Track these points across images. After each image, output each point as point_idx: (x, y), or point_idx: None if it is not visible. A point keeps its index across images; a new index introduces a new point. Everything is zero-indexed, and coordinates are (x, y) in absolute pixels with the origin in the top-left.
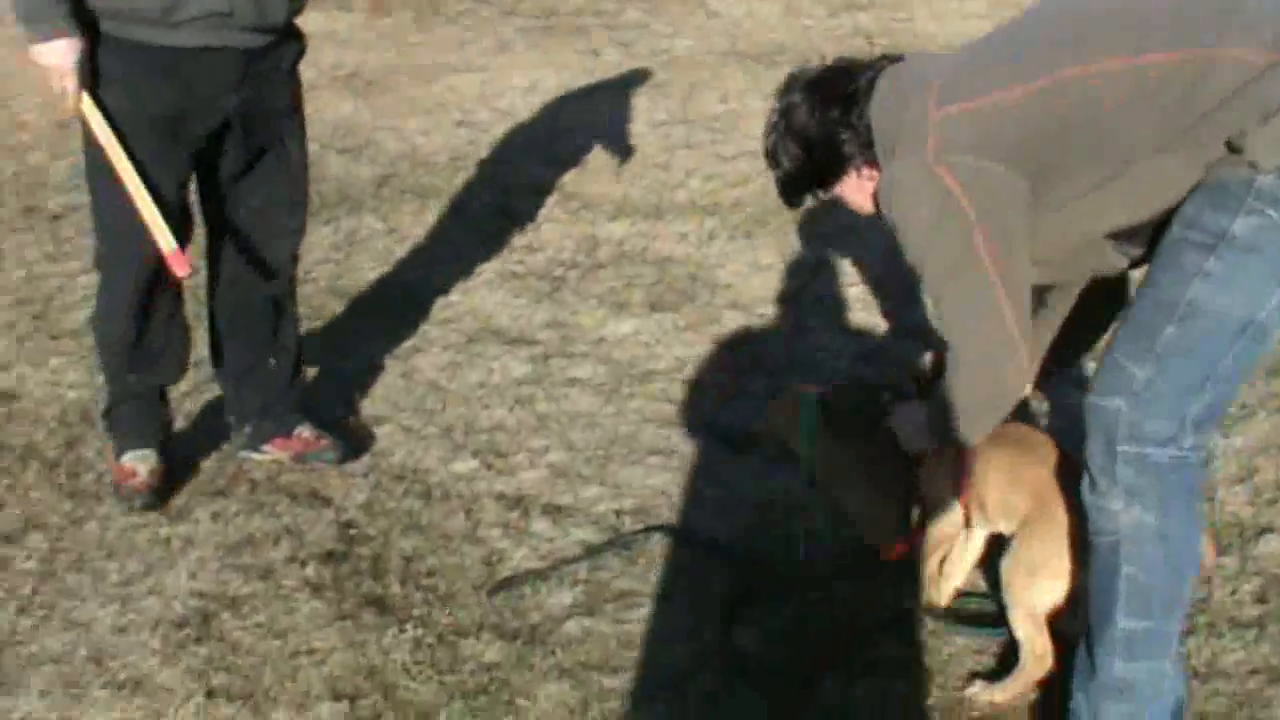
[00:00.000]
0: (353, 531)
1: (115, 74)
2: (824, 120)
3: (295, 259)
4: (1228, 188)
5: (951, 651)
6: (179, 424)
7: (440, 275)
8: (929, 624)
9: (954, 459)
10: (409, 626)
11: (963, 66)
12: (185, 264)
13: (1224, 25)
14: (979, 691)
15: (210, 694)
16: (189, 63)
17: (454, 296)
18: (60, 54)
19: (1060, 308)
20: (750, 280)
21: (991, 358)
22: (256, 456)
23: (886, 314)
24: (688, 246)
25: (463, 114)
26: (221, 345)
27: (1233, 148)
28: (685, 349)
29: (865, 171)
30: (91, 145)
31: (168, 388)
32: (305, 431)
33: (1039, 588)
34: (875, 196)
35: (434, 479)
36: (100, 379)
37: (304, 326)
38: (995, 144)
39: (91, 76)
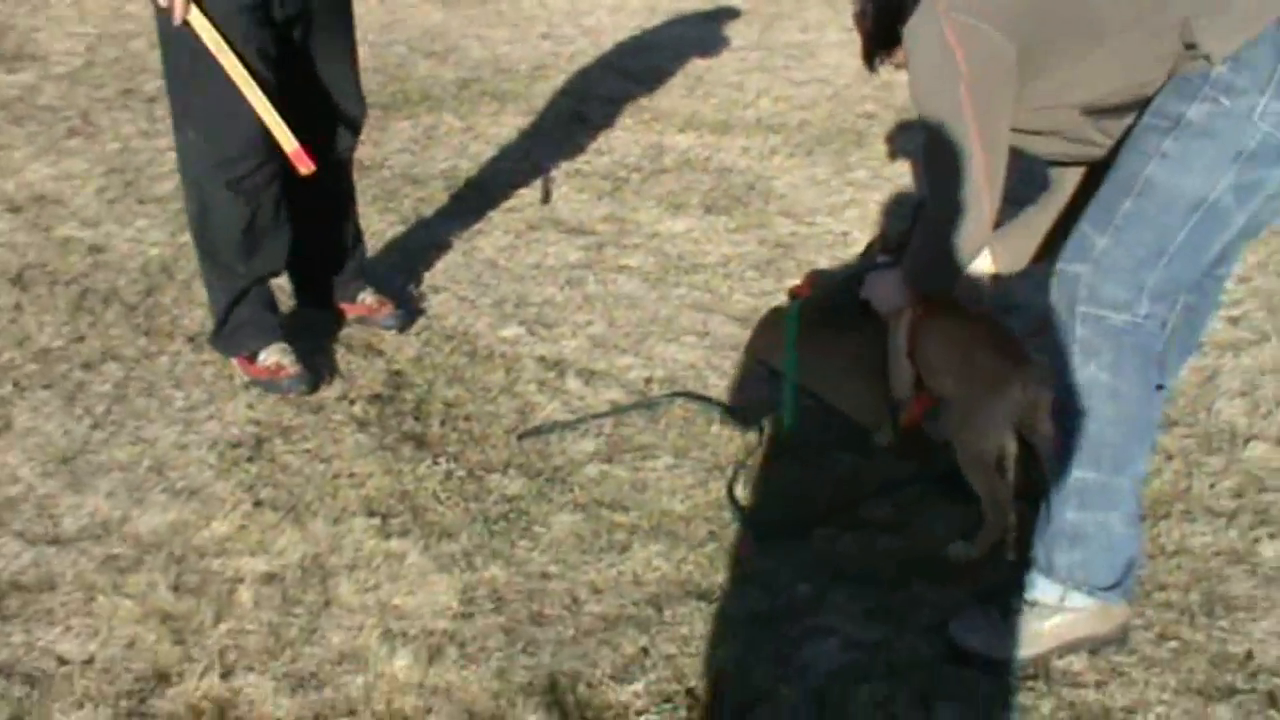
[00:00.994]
0: (400, 379)
1: None
2: None
3: (357, 135)
4: (1189, 79)
5: (936, 514)
6: None
7: (509, 169)
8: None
9: (907, 325)
10: (442, 460)
11: None
12: (307, 160)
13: None
14: (957, 548)
15: (257, 504)
16: None
17: (520, 189)
18: None
19: (1057, 199)
20: (804, 192)
21: (956, 205)
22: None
23: None
24: (749, 159)
25: (549, 28)
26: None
27: (1188, 45)
28: (732, 247)
29: None
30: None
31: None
32: (368, 298)
33: (979, 437)
34: None
35: (481, 341)
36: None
37: (375, 206)
38: (992, 10)
39: None
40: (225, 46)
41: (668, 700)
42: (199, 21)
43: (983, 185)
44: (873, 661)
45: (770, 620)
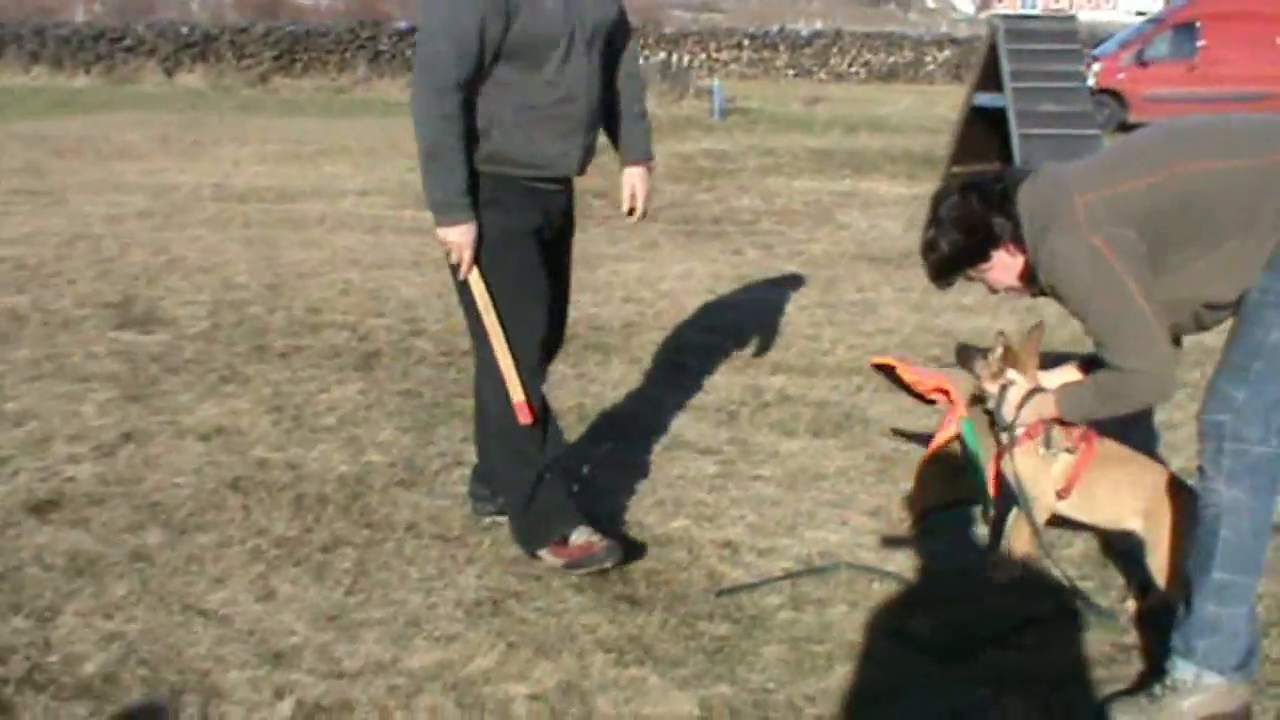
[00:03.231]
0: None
1: (498, 198)
2: (982, 210)
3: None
4: None
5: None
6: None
7: (629, 405)
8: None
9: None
10: (655, 612)
11: (1093, 167)
12: (528, 413)
13: None
14: None
15: (510, 645)
16: (544, 191)
17: (644, 420)
18: (461, 235)
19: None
20: (897, 419)
21: (1148, 354)
22: (490, 509)
23: None
24: (840, 395)
25: (627, 293)
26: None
27: None
28: (846, 461)
29: (1012, 250)
30: (469, 302)
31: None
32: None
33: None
34: (1023, 271)
35: (656, 530)
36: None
37: None
38: (1127, 218)
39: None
40: (490, 306)
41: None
42: (476, 284)
43: (1158, 332)
44: None
45: (957, 716)
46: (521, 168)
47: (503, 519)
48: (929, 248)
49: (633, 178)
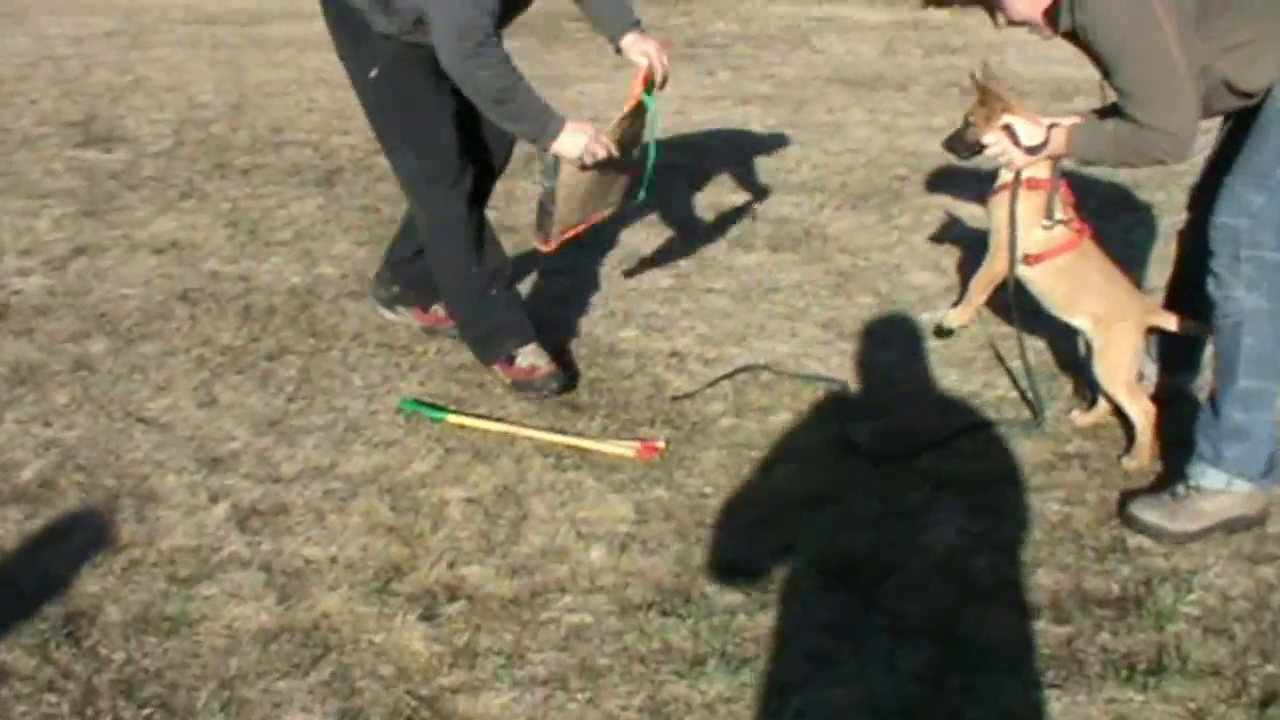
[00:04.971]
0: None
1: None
2: None
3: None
4: None
5: (1022, 444)
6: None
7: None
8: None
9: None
10: (596, 418)
11: None
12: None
13: None
14: (1129, 461)
15: (448, 450)
16: None
17: (600, 231)
18: (575, 135)
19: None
20: (855, 235)
21: (1174, 111)
22: (389, 315)
23: (968, 265)
24: (800, 212)
25: (594, 112)
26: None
27: None
28: (802, 275)
29: None
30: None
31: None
32: (439, 310)
33: (1124, 368)
34: (1050, 6)
35: (604, 340)
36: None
37: None
38: None
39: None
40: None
41: None
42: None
43: (1189, 91)
44: (980, 543)
45: (893, 518)
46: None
47: (391, 315)
48: None
49: (637, 44)
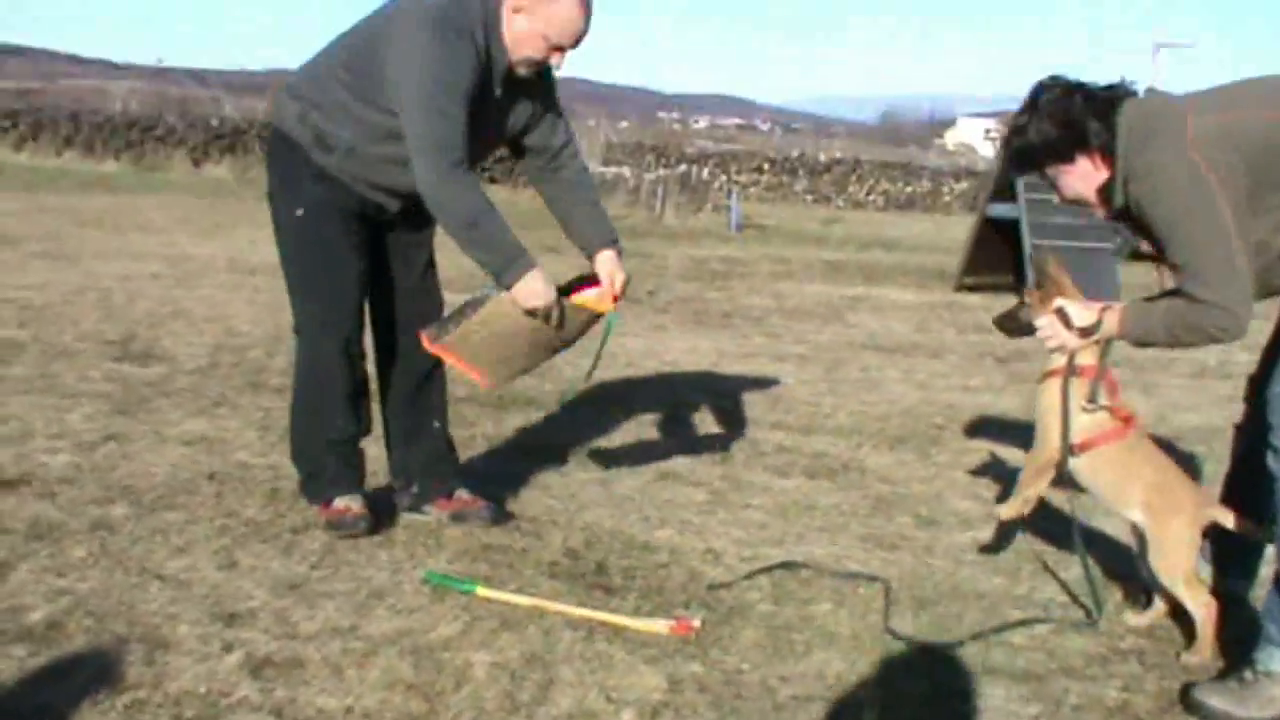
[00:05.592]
0: (576, 553)
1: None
2: (1082, 111)
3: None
4: None
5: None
6: None
7: (621, 443)
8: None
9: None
10: (630, 598)
11: (1212, 93)
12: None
13: None
14: (1190, 656)
15: (475, 618)
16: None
17: (636, 454)
18: (537, 280)
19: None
20: (894, 470)
21: (1229, 286)
22: (420, 517)
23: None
24: (838, 449)
25: (629, 360)
26: (388, 415)
27: None
28: (840, 499)
29: (1098, 162)
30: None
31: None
32: (463, 494)
33: (1182, 561)
34: (1102, 186)
35: (639, 539)
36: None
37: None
38: (1236, 147)
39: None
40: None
41: None
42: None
43: (1243, 266)
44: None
45: (941, 700)
46: (365, 187)
47: (421, 516)
48: (1017, 132)
49: (608, 262)
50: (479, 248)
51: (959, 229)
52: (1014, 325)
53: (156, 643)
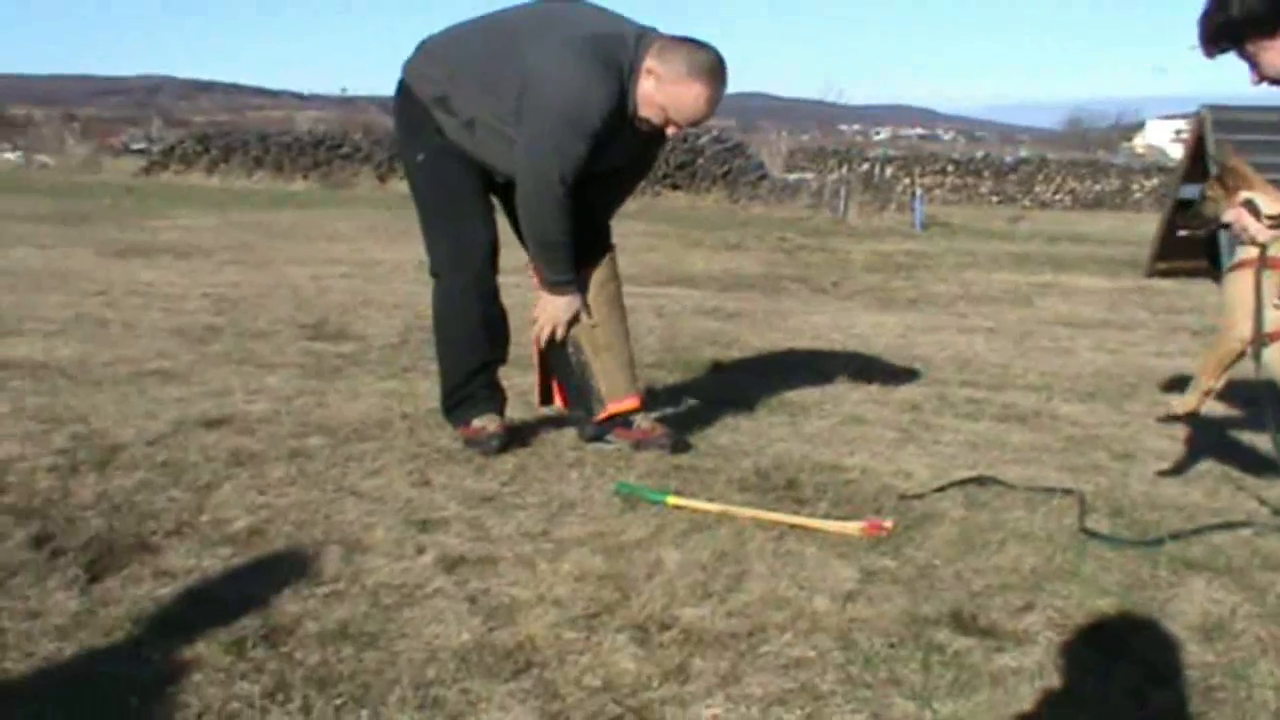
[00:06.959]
0: (767, 472)
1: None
2: None
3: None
4: None
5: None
6: None
7: (811, 397)
8: None
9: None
10: (821, 505)
11: None
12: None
13: None
14: None
15: (663, 524)
16: None
17: (825, 405)
18: (570, 303)
19: None
20: (1086, 417)
21: None
22: (605, 446)
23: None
24: (1028, 400)
25: (815, 333)
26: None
27: None
28: (1032, 438)
29: None
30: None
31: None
32: (643, 422)
33: None
34: None
35: (829, 462)
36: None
37: None
38: None
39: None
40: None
41: None
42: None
43: None
44: (1237, 611)
45: (1139, 588)
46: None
47: (606, 445)
48: (1220, 5)
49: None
50: (545, 261)
51: (1149, 225)
52: (1200, 220)
53: (353, 545)
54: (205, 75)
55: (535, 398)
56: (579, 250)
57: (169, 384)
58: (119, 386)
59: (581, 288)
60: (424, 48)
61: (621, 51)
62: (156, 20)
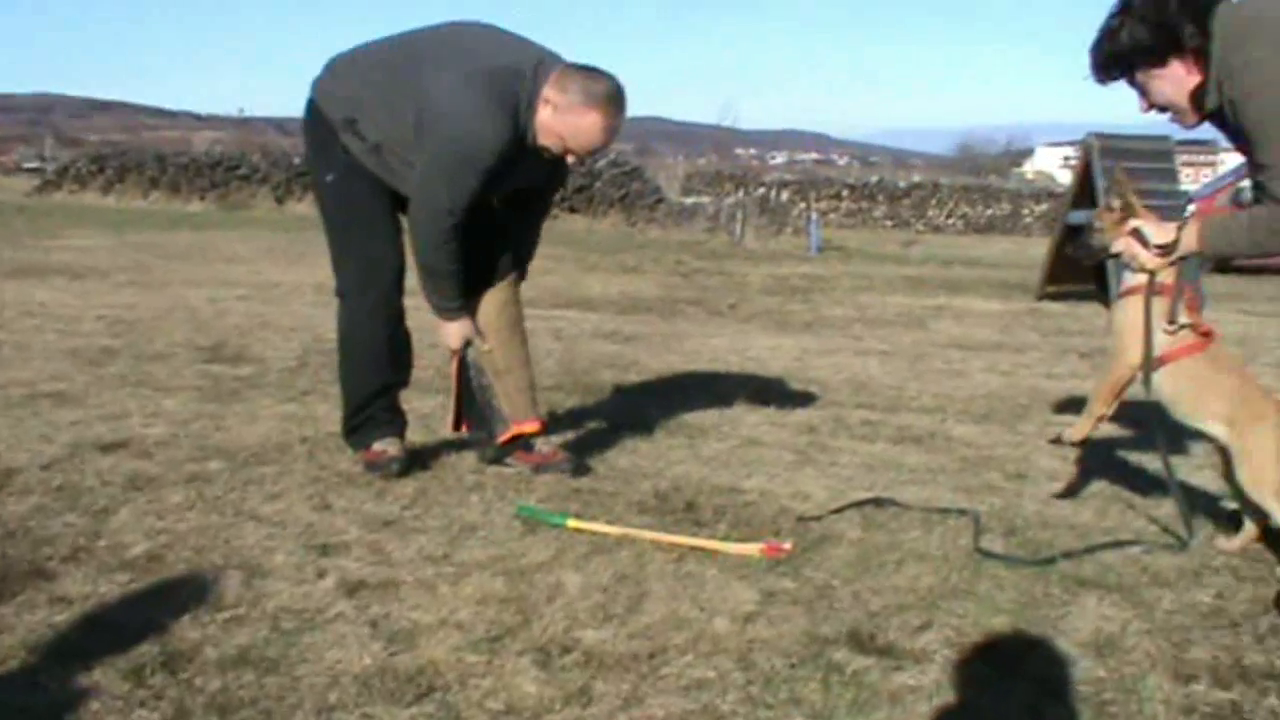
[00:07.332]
0: (666, 493)
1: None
2: (1178, 13)
3: None
4: None
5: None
6: None
7: (707, 421)
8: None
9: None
10: (720, 528)
11: None
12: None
13: None
14: None
15: (563, 547)
16: None
17: (723, 429)
18: (460, 327)
19: None
20: (980, 438)
21: None
22: (505, 470)
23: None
24: (923, 422)
25: (713, 356)
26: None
27: None
28: (929, 460)
29: (1191, 66)
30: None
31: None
32: (544, 447)
33: (1269, 471)
34: (1193, 92)
35: (727, 486)
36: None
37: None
38: None
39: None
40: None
41: None
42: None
43: None
44: (1128, 627)
45: (1033, 606)
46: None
47: (506, 469)
48: (1109, 35)
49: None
50: (432, 289)
51: (1040, 249)
52: (1087, 250)
53: (253, 570)
54: (100, 94)
55: (448, 422)
56: (486, 271)
57: (64, 407)
58: (12, 409)
59: (475, 312)
60: (332, 67)
61: (518, 83)
62: (49, 38)
